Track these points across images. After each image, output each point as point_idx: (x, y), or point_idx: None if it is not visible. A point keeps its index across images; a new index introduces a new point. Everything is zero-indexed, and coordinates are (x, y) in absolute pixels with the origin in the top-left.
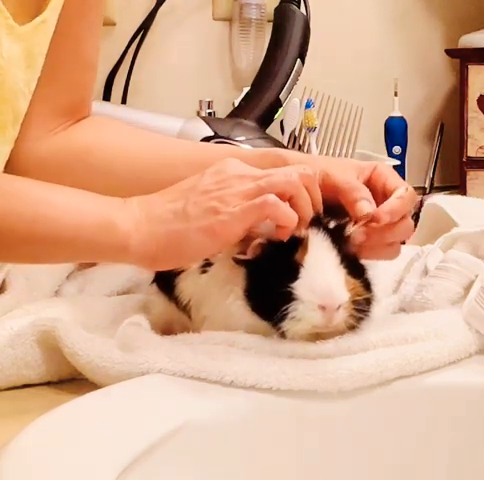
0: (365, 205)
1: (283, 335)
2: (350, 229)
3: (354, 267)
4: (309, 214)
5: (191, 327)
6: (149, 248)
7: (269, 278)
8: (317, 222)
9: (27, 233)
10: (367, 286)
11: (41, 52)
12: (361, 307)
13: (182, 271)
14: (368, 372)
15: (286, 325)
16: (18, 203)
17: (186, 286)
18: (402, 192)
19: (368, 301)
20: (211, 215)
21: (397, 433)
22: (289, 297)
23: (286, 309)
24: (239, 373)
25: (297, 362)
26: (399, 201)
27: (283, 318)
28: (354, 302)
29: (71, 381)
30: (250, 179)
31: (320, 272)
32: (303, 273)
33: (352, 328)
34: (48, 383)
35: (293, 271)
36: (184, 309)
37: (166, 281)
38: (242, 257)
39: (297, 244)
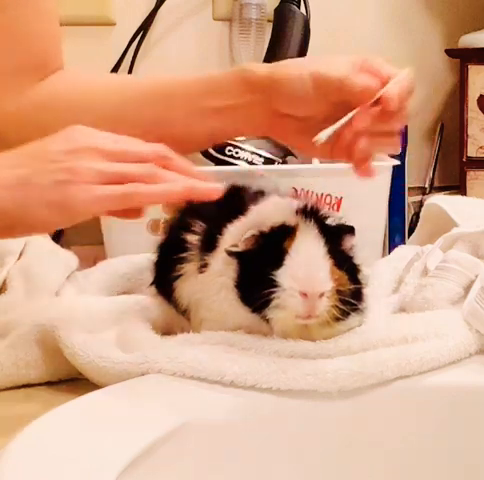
0: (371, 86)
1: (271, 325)
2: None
3: (343, 260)
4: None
5: (190, 330)
6: None
7: (256, 266)
8: (312, 213)
9: None
10: (355, 280)
11: None
12: (347, 299)
13: (181, 275)
14: (368, 372)
15: (270, 313)
16: None
17: (184, 289)
18: (403, 76)
19: (357, 295)
20: (62, 187)
21: (397, 433)
22: (272, 284)
23: (269, 295)
24: (239, 373)
25: (297, 362)
26: (401, 85)
27: (266, 305)
28: (339, 293)
29: (71, 381)
30: (101, 154)
31: (304, 259)
32: (287, 260)
33: (338, 320)
34: (48, 383)
35: (278, 259)
36: (183, 312)
37: (165, 284)
38: (234, 249)
39: (288, 233)
